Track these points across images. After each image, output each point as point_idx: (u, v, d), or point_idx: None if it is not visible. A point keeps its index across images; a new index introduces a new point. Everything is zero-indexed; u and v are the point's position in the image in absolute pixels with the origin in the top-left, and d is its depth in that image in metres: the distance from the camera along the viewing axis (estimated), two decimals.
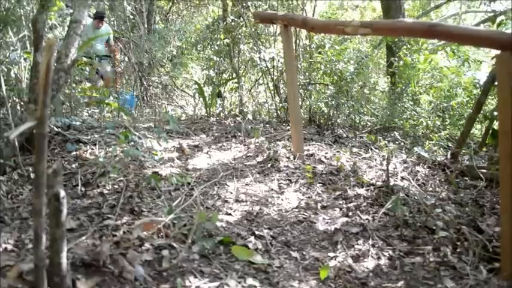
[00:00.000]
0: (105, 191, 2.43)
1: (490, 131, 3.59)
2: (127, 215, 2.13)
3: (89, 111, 4.94)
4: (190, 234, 1.89)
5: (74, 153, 3.08)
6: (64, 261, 1.30)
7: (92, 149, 3.21)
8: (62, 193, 1.25)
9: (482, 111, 3.81)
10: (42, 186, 1.22)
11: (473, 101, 4.40)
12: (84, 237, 1.81)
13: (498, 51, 1.89)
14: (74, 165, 2.86)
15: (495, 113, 3.11)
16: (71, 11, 3.97)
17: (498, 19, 3.93)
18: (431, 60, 5.50)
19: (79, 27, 3.17)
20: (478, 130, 5.20)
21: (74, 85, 4.53)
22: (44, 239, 1.26)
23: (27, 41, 4.18)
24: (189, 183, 2.69)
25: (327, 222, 2.37)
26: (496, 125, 3.27)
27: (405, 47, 5.61)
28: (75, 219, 2.04)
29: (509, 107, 1.81)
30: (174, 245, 1.85)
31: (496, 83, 2.71)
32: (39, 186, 1.22)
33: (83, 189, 2.47)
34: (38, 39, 2.86)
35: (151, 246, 1.81)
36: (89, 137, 3.43)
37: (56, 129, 3.38)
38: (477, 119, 4.01)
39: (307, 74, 5.36)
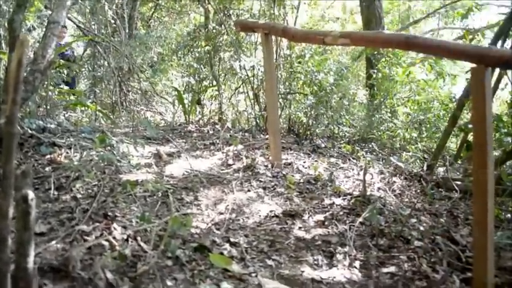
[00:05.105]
0: (79, 196, 2.38)
1: (465, 144, 3.65)
2: (100, 219, 2.08)
3: (66, 115, 4.85)
4: (163, 240, 1.86)
5: (48, 156, 3.01)
6: (31, 265, 1.25)
7: (67, 152, 3.14)
8: (31, 195, 1.21)
9: (457, 125, 3.88)
10: (9, 187, 1.18)
11: (449, 115, 4.48)
12: (54, 242, 1.76)
13: (473, 65, 1.93)
14: (47, 169, 2.79)
15: (469, 126, 3.16)
16: (50, 12, 3.91)
17: (471, 35, 4.02)
18: (409, 73, 5.58)
19: (56, 28, 3.12)
20: (453, 143, 5.29)
21: (51, 87, 4.45)
22: (10, 243, 1.22)
23: (2, 41, 4.10)
24: (166, 190, 2.65)
25: (303, 231, 2.36)
26: (470, 137, 3.33)
27: (384, 59, 5.69)
28: (46, 223, 1.99)
29: (483, 119, 1.85)
30: (147, 250, 1.81)
31: (470, 98, 2.77)
32: (6, 187, 1.18)
33: (56, 193, 2.41)
34: (14, 39, 2.81)
35: (124, 251, 1.77)
36: (64, 141, 3.36)
37: (30, 131, 3.29)
38: (452, 132, 4.09)
39: (287, 83, 5.38)
